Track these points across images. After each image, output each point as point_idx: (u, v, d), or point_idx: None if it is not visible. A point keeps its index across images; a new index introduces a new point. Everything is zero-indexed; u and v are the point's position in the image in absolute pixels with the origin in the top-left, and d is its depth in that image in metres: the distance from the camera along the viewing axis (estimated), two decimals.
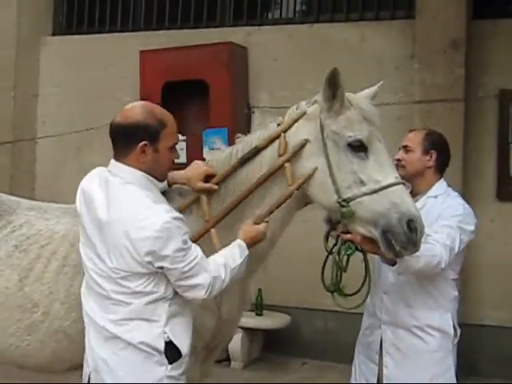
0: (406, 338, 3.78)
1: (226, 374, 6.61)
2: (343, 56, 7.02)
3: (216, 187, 3.36)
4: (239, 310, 3.59)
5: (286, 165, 3.27)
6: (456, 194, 3.90)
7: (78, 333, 3.31)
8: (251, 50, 7.56)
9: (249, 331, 6.97)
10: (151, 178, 3.04)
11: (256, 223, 3.23)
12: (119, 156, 3.04)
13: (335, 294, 3.48)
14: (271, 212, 3.28)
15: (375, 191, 3.12)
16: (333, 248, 3.45)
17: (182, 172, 3.42)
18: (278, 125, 3.36)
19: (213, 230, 3.30)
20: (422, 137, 3.89)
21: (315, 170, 3.25)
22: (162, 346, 2.95)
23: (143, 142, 2.96)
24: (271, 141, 3.33)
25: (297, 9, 7.83)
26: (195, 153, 6.57)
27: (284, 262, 6.91)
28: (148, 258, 2.86)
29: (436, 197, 3.83)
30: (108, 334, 2.98)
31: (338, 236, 3.41)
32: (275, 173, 3.29)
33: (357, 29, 7.21)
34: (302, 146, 3.27)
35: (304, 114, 3.31)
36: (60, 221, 3.62)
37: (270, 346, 7.30)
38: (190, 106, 7.53)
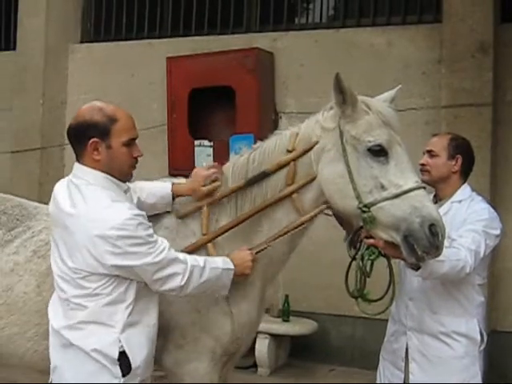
0: (431, 345, 3.77)
1: (253, 381, 6.62)
2: (370, 61, 7.01)
3: (219, 184, 3.42)
4: (258, 313, 3.59)
5: (294, 196, 3.31)
6: (480, 198, 3.88)
7: None
8: (277, 55, 7.56)
9: (276, 337, 6.96)
10: (113, 178, 3.04)
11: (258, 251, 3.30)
12: (78, 158, 3.06)
13: (359, 299, 3.47)
14: (277, 238, 3.33)
15: (396, 196, 3.12)
16: (356, 253, 3.44)
17: (184, 184, 3.47)
18: (289, 151, 3.35)
19: (210, 244, 3.35)
20: (447, 141, 3.87)
21: (327, 207, 3.31)
22: (115, 355, 2.93)
23: (93, 139, 2.96)
24: (280, 167, 3.34)
25: (323, 14, 7.81)
26: (222, 158, 6.54)
27: (311, 268, 6.92)
28: (110, 259, 2.86)
29: (460, 202, 3.81)
30: (63, 341, 3.00)
31: (361, 241, 3.40)
32: (282, 199, 3.33)
33: (383, 33, 7.18)
34: (310, 180, 3.29)
35: (315, 144, 3.30)
36: None
37: (297, 353, 7.29)
38: (216, 112, 7.55)
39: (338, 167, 3.22)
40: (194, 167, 7.38)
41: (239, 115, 7.23)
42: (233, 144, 7.09)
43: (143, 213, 3.00)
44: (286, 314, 7.10)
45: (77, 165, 3.07)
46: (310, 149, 3.31)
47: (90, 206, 2.92)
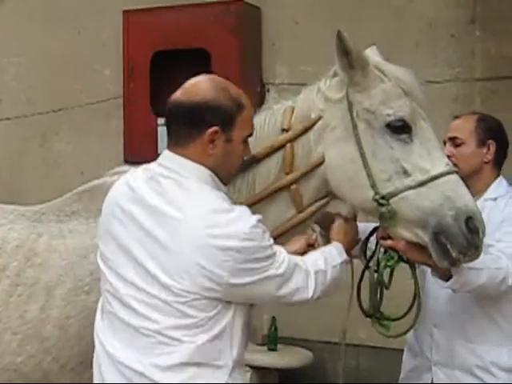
0: (465, 382, 3.77)
1: None
2: (385, 19, 6.98)
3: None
4: None
5: (293, 187, 3.30)
6: None
7: (34, 371, 3.33)
8: (266, 10, 7.55)
9: (259, 371, 6.95)
10: (216, 178, 2.97)
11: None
12: (177, 145, 2.96)
13: (376, 319, 3.44)
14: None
15: (423, 183, 3.10)
16: (370, 259, 3.43)
17: None
18: (284, 130, 3.34)
19: None
20: (474, 124, 3.88)
21: (330, 199, 3.33)
22: None
23: (214, 128, 2.88)
24: (273, 150, 3.33)
25: None
26: None
27: None
28: (228, 276, 2.78)
29: (496, 199, 3.84)
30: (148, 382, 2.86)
31: (377, 244, 3.38)
32: (277, 191, 3.32)
33: None
34: (317, 165, 3.28)
35: (319, 119, 3.30)
36: (14, 227, 3.60)
37: None
38: (186, 81, 7.51)
39: (348, 149, 3.20)
40: (156, 152, 7.42)
41: None
42: None
43: (261, 217, 2.93)
44: (272, 342, 7.11)
45: (171, 155, 2.97)
46: (312, 126, 3.29)
47: (204, 210, 2.81)
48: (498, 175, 3.92)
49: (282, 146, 3.32)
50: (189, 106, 2.93)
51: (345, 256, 3.20)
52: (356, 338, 6.75)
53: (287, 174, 3.30)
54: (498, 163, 3.92)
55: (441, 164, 3.15)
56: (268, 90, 7.49)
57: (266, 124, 3.38)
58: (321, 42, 6.91)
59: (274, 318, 7.07)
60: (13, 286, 3.45)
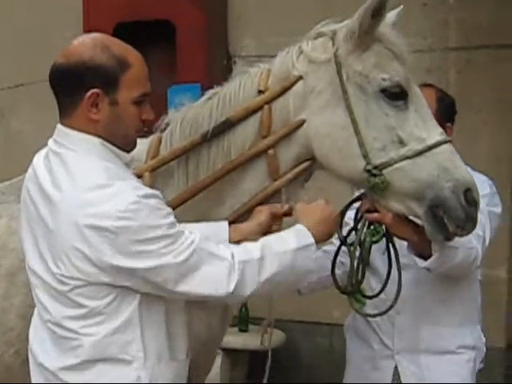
0: (431, 366, 3.80)
1: None
2: None
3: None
4: (222, 326, 3.54)
5: (270, 152, 3.19)
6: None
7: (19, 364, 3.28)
8: None
9: (230, 353, 6.95)
10: (113, 147, 2.82)
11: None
12: (64, 115, 2.83)
13: (353, 296, 3.37)
14: (249, 209, 3.21)
15: (419, 153, 3.04)
16: (348, 234, 3.36)
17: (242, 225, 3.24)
18: (260, 92, 3.23)
19: None
20: (435, 104, 3.81)
21: (309, 165, 3.21)
22: None
23: (93, 90, 2.72)
24: (249, 113, 3.22)
25: None
26: (158, 116, 6.48)
27: None
28: (109, 256, 2.63)
29: None
30: None
31: (357, 217, 3.33)
32: (254, 157, 3.22)
33: None
34: (296, 127, 3.18)
35: (299, 79, 3.18)
36: None
37: (259, 372, 7.26)
38: (150, 54, 7.44)
39: (337, 115, 3.11)
40: None
41: (181, 59, 7.22)
42: (172, 97, 7.03)
43: (157, 193, 2.77)
44: (243, 323, 7.10)
45: (61, 128, 2.84)
46: (291, 86, 3.19)
47: (79, 186, 2.67)
48: None
49: (258, 109, 3.21)
50: (66, 68, 2.78)
51: (306, 242, 2.93)
52: (329, 317, 6.75)
53: (264, 137, 3.20)
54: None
55: (436, 133, 3.10)
56: (235, 62, 7.45)
57: (242, 87, 3.28)
58: (288, 12, 6.89)
59: None
60: None
